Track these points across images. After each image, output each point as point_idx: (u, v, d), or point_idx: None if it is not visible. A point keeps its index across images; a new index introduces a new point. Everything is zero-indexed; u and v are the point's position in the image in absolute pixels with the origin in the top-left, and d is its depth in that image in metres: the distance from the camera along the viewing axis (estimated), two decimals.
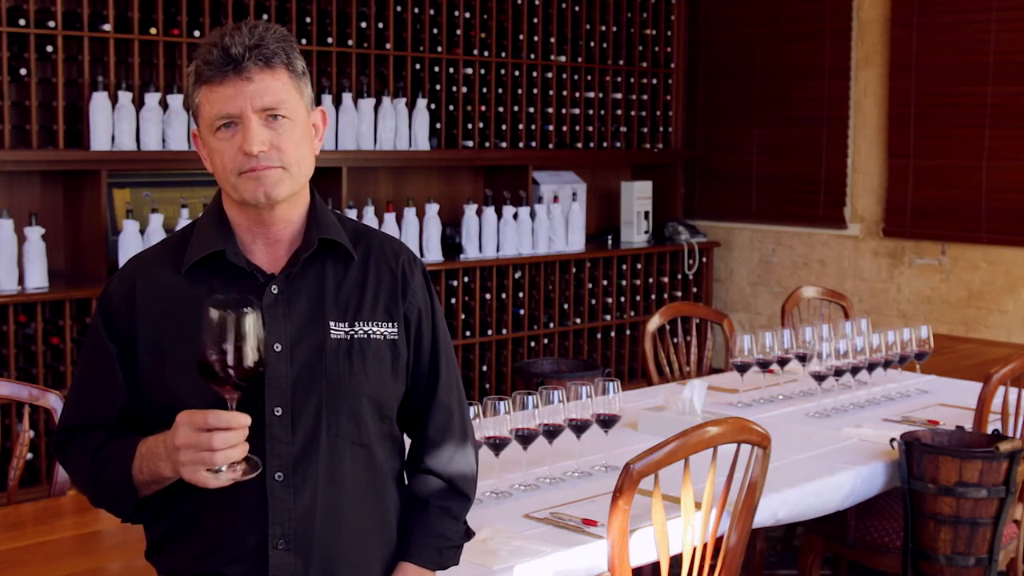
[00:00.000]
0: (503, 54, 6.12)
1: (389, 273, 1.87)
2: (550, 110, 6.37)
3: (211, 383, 1.64)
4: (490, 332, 5.85)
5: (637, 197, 6.69)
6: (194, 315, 1.72)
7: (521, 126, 6.21)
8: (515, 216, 5.96)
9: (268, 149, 1.73)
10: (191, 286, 1.79)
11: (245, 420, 1.64)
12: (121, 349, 1.81)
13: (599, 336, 6.41)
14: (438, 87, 5.87)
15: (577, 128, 6.54)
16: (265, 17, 5.04)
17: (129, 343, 1.81)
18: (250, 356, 1.63)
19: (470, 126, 6.00)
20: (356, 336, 1.81)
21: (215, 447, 1.61)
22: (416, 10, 5.74)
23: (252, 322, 1.63)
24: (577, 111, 6.53)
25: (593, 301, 6.36)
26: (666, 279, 6.71)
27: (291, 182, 1.77)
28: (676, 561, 2.39)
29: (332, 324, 1.80)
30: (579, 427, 2.75)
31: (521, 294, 5.97)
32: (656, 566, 2.38)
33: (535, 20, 6.25)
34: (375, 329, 1.83)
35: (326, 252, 1.84)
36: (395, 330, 1.85)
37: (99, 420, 1.82)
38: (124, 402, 1.82)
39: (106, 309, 1.83)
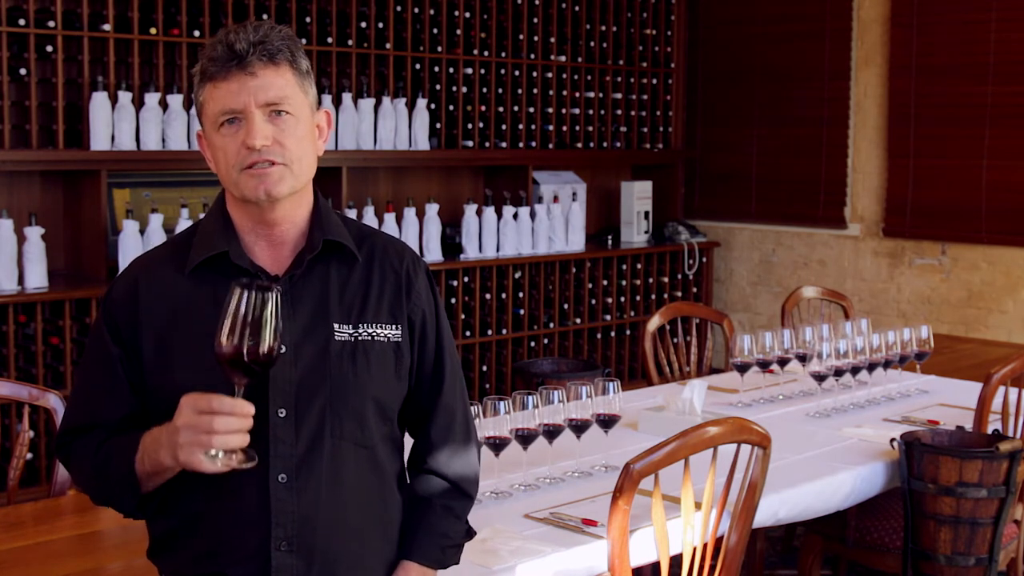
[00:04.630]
0: (503, 54, 6.12)
1: (393, 275, 1.87)
2: (550, 110, 6.37)
3: (224, 365, 1.62)
4: (490, 332, 5.85)
5: (637, 197, 6.69)
6: (198, 316, 1.73)
7: (521, 126, 6.21)
8: (515, 216, 5.96)
9: (271, 144, 1.73)
10: (195, 287, 1.79)
11: (249, 409, 1.63)
12: (124, 352, 1.80)
13: (599, 336, 6.41)
14: (438, 87, 5.87)
15: (577, 128, 6.54)
16: (265, 17, 5.04)
17: (132, 345, 1.80)
18: (267, 341, 1.62)
19: (470, 126, 6.00)
20: (360, 338, 1.81)
21: (215, 430, 1.60)
22: (416, 10, 5.74)
23: (273, 308, 1.62)
24: (577, 111, 6.53)
25: (593, 301, 6.35)
26: (666, 279, 6.71)
27: (293, 179, 1.77)
28: (676, 561, 2.39)
29: (336, 326, 1.80)
30: (579, 427, 2.75)
31: (521, 294, 5.97)
32: (656, 566, 2.38)
33: (535, 20, 6.25)
34: (379, 331, 1.82)
35: (330, 253, 1.83)
36: (399, 332, 1.84)
37: (101, 422, 1.82)
38: (127, 406, 1.81)
39: (109, 312, 1.83)
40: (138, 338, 1.79)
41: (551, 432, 2.71)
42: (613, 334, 6.48)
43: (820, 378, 3.48)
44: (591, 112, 6.61)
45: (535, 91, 6.28)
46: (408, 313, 1.86)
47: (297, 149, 1.76)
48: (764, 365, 3.58)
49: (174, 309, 1.79)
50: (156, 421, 1.76)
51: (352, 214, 5.32)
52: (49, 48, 4.64)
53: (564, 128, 6.47)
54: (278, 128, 1.74)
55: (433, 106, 5.85)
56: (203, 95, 1.77)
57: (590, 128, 6.61)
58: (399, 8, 5.68)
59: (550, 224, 6.14)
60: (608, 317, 6.44)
